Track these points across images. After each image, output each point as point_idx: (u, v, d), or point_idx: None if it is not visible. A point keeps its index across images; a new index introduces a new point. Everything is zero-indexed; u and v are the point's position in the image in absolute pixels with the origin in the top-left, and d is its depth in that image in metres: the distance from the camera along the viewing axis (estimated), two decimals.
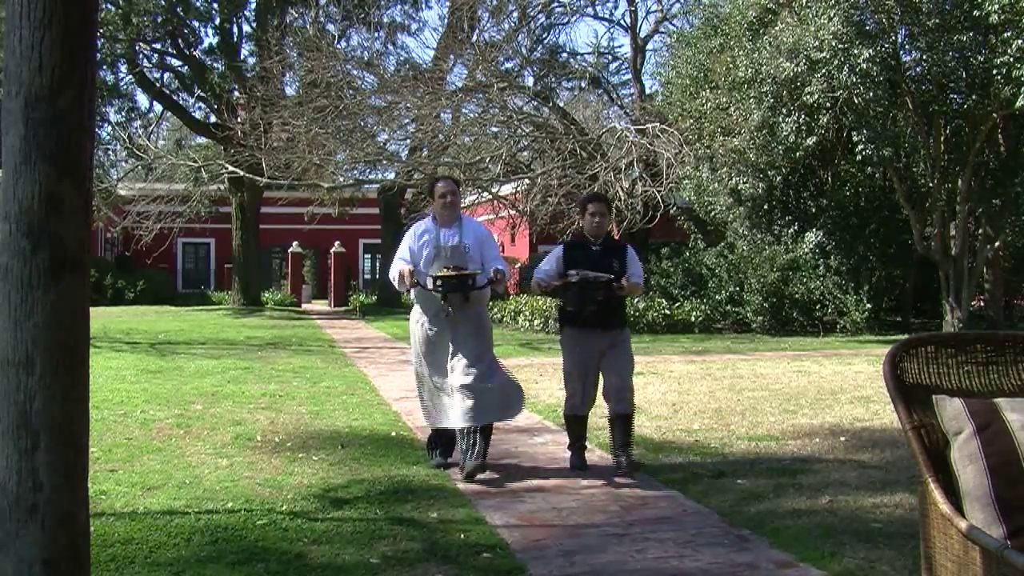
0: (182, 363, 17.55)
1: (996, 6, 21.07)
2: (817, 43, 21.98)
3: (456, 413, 8.42)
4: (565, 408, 8.94)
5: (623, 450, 8.49)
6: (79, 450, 3.93)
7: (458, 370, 8.44)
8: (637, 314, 25.94)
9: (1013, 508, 3.46)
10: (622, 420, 8.53)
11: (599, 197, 9.25)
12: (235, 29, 40.66)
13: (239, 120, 34.00)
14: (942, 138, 25.04)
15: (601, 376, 8.73)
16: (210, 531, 6.51)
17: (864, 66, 21.65)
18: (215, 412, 11.58)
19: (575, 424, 8.87)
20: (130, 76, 40.31)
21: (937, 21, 22.31)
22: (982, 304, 29.93)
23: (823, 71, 22.16)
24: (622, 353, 8.72)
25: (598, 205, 8.91)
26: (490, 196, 33.39)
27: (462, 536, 6.44)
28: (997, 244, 27.03)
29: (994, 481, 3.51)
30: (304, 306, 46.74)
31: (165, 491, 7.62)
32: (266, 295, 45.42)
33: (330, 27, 37.74)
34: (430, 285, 8.38)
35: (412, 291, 8.65)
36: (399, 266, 8.49)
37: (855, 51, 21.80)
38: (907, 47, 24.36)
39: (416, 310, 8.79)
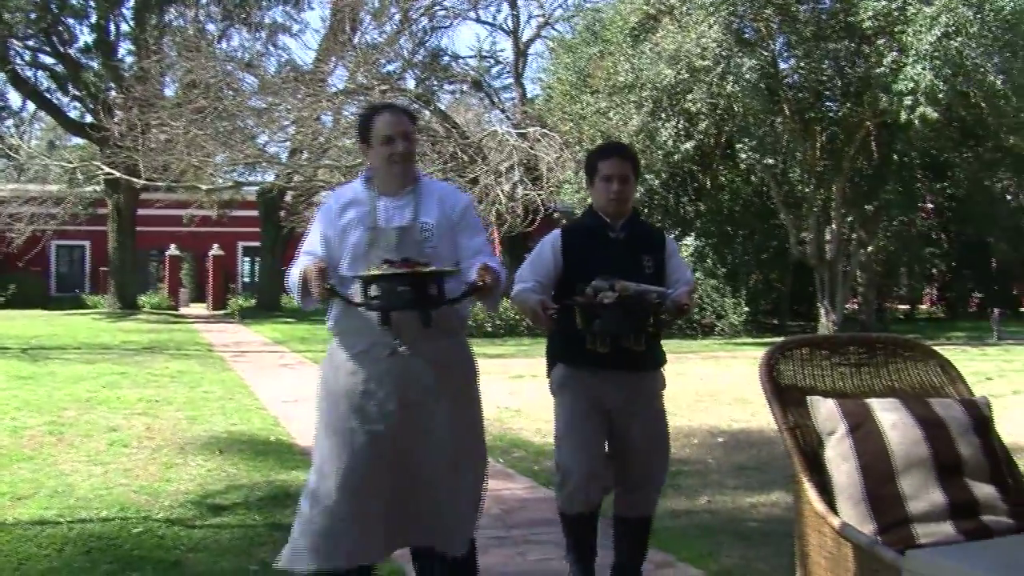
0: (55, 368, 17.17)
1: (869, 13, 21.59)
2: (699, 51, 22.26)
3: (379, 539, 4.62)
4: (559, 499, 5.14)
5: (632, 570, 5.27)
6: None
7: (412, 478, 4.59)
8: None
9: (884, 505, 3.54)
10: (637, 525, 5.25)
11: (618, 149, 5.36)
12: (112, 27, 39.93)
13: (116, 121, 33.39)
14: (818, 145, 25.57)
15: (612, 449, 5.20)
16: (83, 541, 6.37)
17: (746, 72, 22.01)
18: (89, 418, 11.35)
19: (579, 526, 5.13)
20: (1, 74, 39.40)
21: (813, 30, 22.82)
22: (856, 307, 30.58)
23: (705, 78, 22.46)
24: (651, 414, 5.28)
25: (617, 163, 5.15)
26: None
27: None
28: (870, 248, 27.67)
29: (866, 479, 3.59)
30: (182, 310, 46.08)
31: (36, 500, 7.44)
32: (143, 299, 44.68)
33: (210, 27, 37.26)
34: (358, 297, 4.48)
35: (330, 312, 4.74)
36: (303, 264, 4.57)
37: (737, 59, 22.15)
38: (785, 55, 24.84)
39: (334, 349, 4.75)
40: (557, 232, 5.23)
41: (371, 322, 4.48)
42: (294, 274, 4.60)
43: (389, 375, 4.56)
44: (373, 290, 4.40)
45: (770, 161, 23.99)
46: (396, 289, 4.33)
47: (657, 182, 27.34)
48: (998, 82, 21.70)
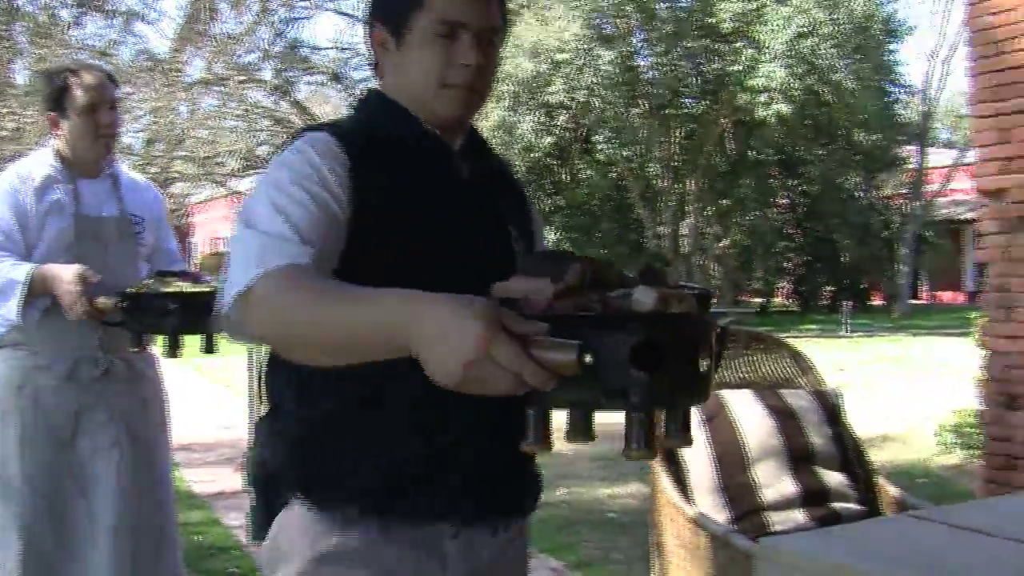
0: None
1: (728, 14, 22.07)
2: (559, 44, 22.45)
3: None
4: None
5: None
6: None
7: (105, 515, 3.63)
8: None
9: (738, 494, 3.61)
10: None
11: None
12: None
13: None
14: (675, 140, 25.98)
15: None
16: None
17: (606, 68, 22.28)
18: None
19: None
20: None
21: (672, 28, 23.17)
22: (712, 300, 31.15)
23: (564, 71, 22.66)
24: None
25: (475, 7, 1.94)
26: (227, 192, 32.89)
27: (197, 539, 6.29)
28: (725, 243, 28.16)
29: (720, 469, 3.65)
30: None
31: None
32: None
33: (63, 13, 36.39)
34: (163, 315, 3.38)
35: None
36: (33, 268, 3.48)
37: (597, 53, 22.42)
38: (644, 52, 25.20)
39: (8, 376, 3.65)
40: (326, 139, 1.91)
41: (69, 331, 3.56)
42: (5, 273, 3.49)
43: (103, 400, 3.67)
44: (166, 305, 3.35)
45: (627, 153, 24.31)
46: (203, 307, 2.76)
47: (516, 176, 27.53)
48: (849, 82, 22.30)
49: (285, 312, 1.64)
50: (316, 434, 1.90)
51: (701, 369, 1.53)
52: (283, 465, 1.92)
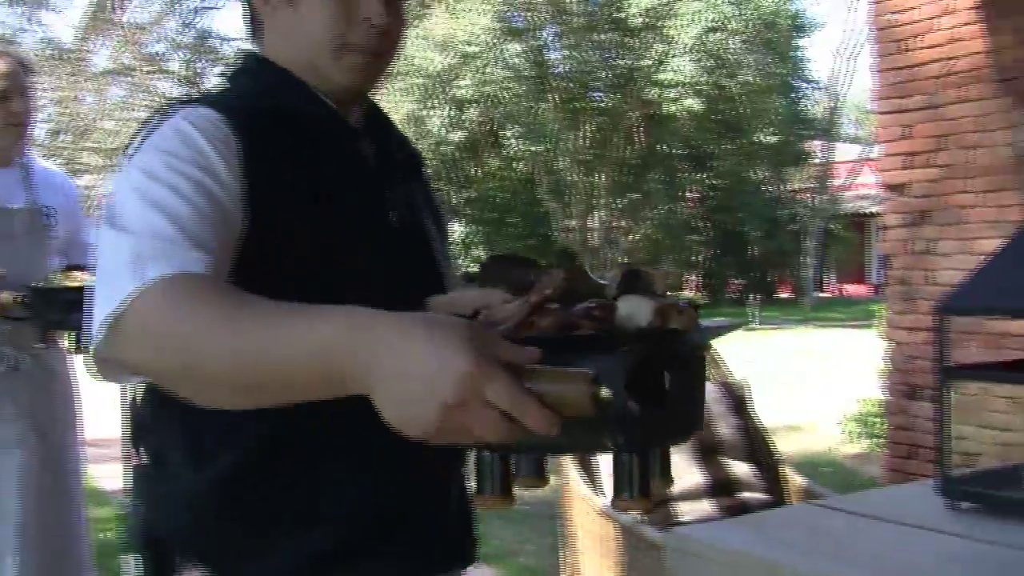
0: None
1: (638, 9, 22.23)
2: (469, 37, 22.47)
3: None
4: None
5: None
6: None
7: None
8: None
9: None
10: None
11: None
12: None
13: None
14: (585, 134, 26.09)
15: None
16: None
17: (516, 61, 22.35)
18: None
19: None
20: None
21: (583, 22, 23.29)
22: None
23: (474, 65, 22.68)
24: None
25: None
26: None
27: (105, 536, 6.22)
28: (635, 236, 28.33)
29: None
30: None
31: None
32: None
33: None
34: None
35: None
36: None
37: (507, 46, 22.47)
38: (556, 45, 25.30)
39: None
40: (209, 115, 1.50)
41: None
42: None
43: (9, 396, 3.53)
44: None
45: (536, 148, 24.38)
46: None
47: (428, 171, 27.55)
48: (758, 79, 22.59)
49: (178, 339, 1.20)
50: (216, 494, 1.53)
51: (700, 395, 1.31)
52: (175, 530, 1.56)
